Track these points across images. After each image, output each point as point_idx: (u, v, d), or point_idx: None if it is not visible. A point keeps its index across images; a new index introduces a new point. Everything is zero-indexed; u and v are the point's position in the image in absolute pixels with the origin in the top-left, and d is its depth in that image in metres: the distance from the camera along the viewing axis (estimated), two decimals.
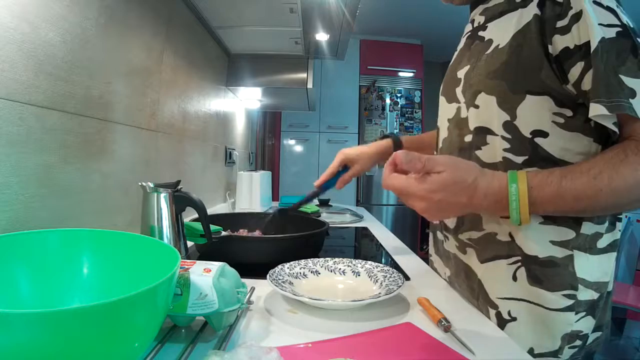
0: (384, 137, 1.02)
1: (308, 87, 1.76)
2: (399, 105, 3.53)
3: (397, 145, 1.00)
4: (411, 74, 3.56)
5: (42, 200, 0.62)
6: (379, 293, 0.63)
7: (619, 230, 0.62)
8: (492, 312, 0.64)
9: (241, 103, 2.10)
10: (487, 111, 0.62)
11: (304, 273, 0.72)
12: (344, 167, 0.99)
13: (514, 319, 0.61)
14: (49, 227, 0.62)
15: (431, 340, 0.51)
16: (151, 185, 0.70)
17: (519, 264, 0.61)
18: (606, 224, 0.60)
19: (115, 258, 0.48)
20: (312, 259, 0.77)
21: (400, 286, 0.63)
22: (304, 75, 1.77)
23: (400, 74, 3.56)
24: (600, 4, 0.53)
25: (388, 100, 3.53)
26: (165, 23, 1.07)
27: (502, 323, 0.62)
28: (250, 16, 1.33)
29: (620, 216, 0.62)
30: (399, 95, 3.54)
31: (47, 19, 0.62)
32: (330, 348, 0.48)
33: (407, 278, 0.78)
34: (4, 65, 0.54)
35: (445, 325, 0.53)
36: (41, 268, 0.46)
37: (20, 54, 0.57)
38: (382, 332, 0.53)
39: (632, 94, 0.50)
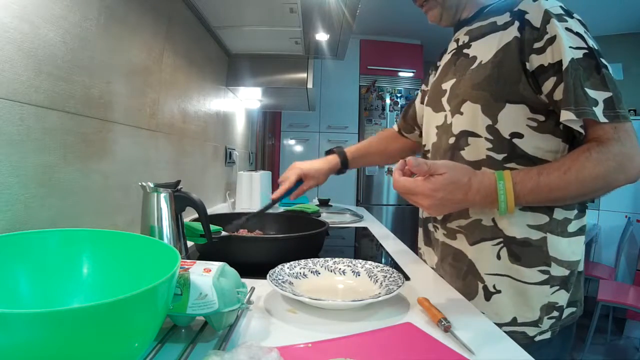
0: (330, 151, 1.14)
1: (308, 87, 1.76)
2: (399, 105, 3.53)
3: (344, 159, 1.11)
4: (411, 74, 3.56)
5: (42, 200, 0.62)
6: (379, 293, 0.63)
7: (586, 217, 0.74)
8: (480, 285, 0.73)
9: (241, 103, 2.10)
10: (472, 117, 0.72)
11: (304, 273, 0.72)
12: (299, 181, 1.09)
13: (499, 292, 0.72)
14: (49, 227, 0.62)
15: (431, 340, 0.51)
16: (151, 185, 0.70)
17: (502, 244, 0.71)
18: (575, 211, 0.71)
19: (115, 258, 0.48)
20: (312, 259, 0.77)
21: (400, 286, 0.63)
22: (304, 75, 1.77)
23: (400, 74, 3.55)
24: (571, 30, 0.64)
25: (388, 100, 3.53)
26: (165, 23, 1.07)
27: (488, 295, 0.72)
28: (250, 16, 1.33)
29: (587, 205, 0.74)
30: (399, 95, 3.54)
31: (47, 19, 0.62)
32: (330, 348, 0.48)
33: (407, 278, 0.78)
34: (4, 65, 0.54)
35: (445, 325, 0.53)
36: (41, 268, 0.46)
37: (20, 54, 0.57)
38: (382, 332, 0.53)
39: (595, 103, 0.61)
